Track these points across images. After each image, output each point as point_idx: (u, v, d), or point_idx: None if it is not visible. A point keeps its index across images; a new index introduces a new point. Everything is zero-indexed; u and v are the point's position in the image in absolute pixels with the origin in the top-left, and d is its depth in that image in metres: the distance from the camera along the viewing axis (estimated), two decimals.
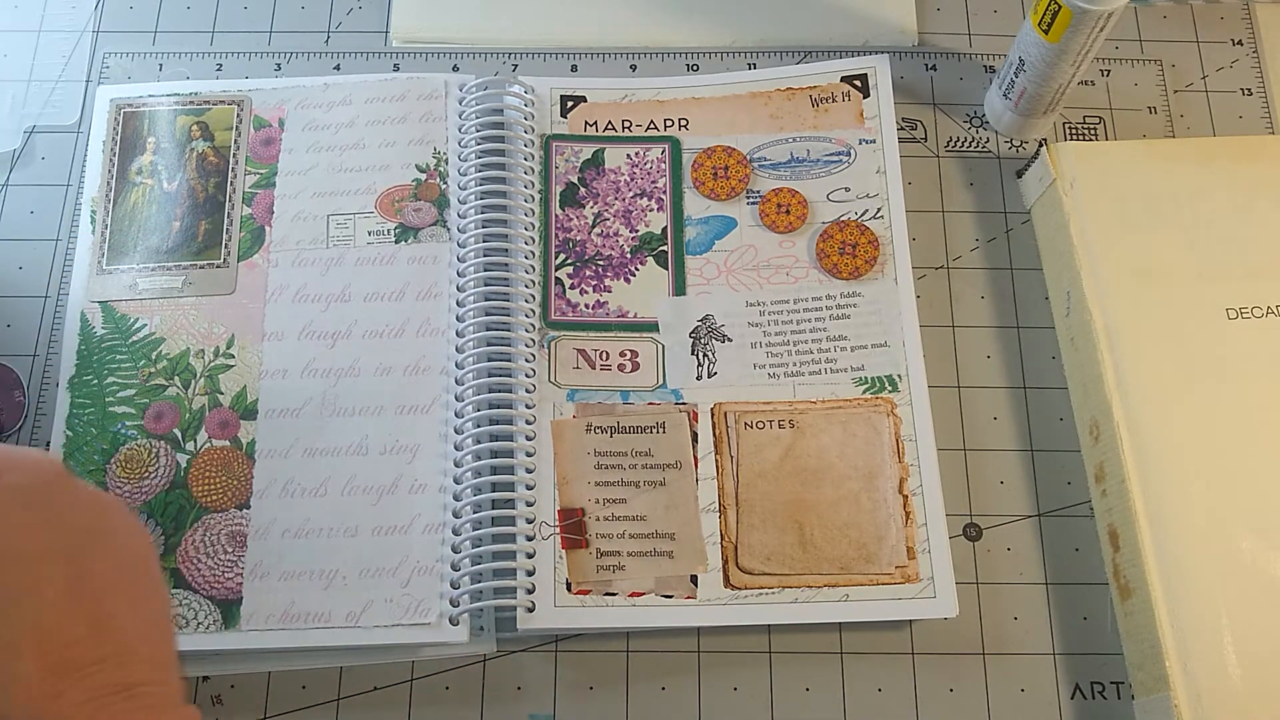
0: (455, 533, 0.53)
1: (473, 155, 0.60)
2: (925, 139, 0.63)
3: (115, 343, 0.57)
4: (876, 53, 0.64)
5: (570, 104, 0.63)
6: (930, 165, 0.63)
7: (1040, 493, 0.56)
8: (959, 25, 0.66)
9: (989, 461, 0.56)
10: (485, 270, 0.58)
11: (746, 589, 0.53)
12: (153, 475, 0.54)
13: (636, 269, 0.59)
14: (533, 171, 0.61)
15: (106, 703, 0.30)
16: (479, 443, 0.54)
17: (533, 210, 0.60)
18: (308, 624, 0.51)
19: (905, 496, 0.54)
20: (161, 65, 0.64)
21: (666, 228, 0.60)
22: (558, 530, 0.54)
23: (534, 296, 0.58)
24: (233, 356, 0.57)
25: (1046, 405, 0.57)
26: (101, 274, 0.58)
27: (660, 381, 0.57)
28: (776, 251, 0.60)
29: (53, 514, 0.30)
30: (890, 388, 0.56)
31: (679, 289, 0.59)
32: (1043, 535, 0.55)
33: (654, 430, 0.56)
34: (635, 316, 0.58)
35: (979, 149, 0.63)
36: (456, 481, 0.54)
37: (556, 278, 0.59)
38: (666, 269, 0.59)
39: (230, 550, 0.53)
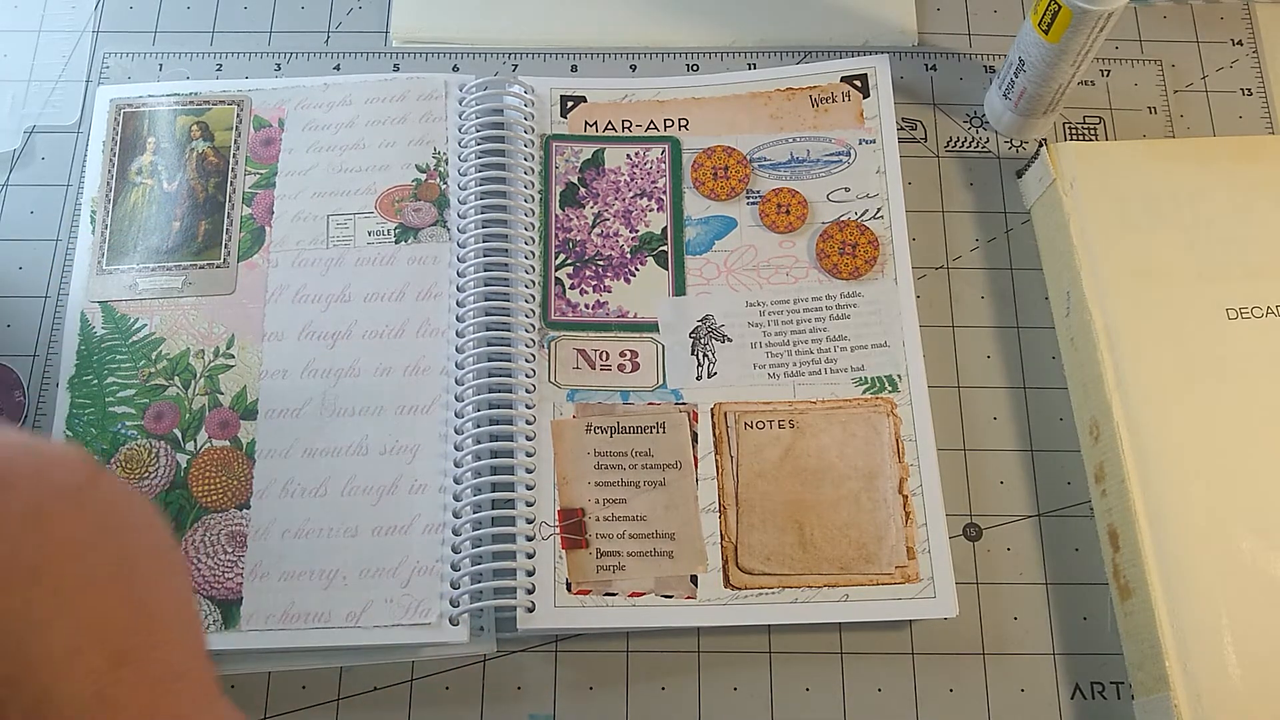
0: (455, 533, 0.53)
1: (473, 155, 0.60)
2: (925, 139, 0.63)
3: (115, 343, 0.57)
4: (876, 53, 0.64)
5: (570, 104, 0.63)
6: (930, 165, 0.63)
7: (1040, 493, 0.56)
8: (959, 25, 0.66)
9: (989, 461, 0.56)
10: (485, 270, 0.58)
11: (746, 589, 0.53)
12: (153, 475, 0.54)
13: (636, 269, 0.59)
14: (533, 171, 0.61)
15: (165, 689, 0.30)
16: (479, 443, 0.54)
17: (533, 210, 0.60)
18: (308, 624, 0.51)
19: (905, 496, 0.54)
20: (161, 65, 0.64)
21: (666, 228, 0.60)
22: (558, 530, 0.54)
23: (534, 296, 0.58)
24: (233, 356, 0.57)
25: (1046, 405, 0.57)
26: (101, 274, 0.58)
27: (660, 381, 0.57)
28: (776, 251, 0.60)
29: (99, 509, 0.31)
30: (890, 388, 0.56)
31: (679, 289, 0.59)
32: (1043, 535, 0.55)
33: (654, 430, 0.56)
34: (635, 316, 0.58)
35: (979, 149, 0.63)
36: (456, 481, 0.54)
37: (556, 278, 0.59)
38: (666, 269, 0.59)
39: (230, 550, 0.53)
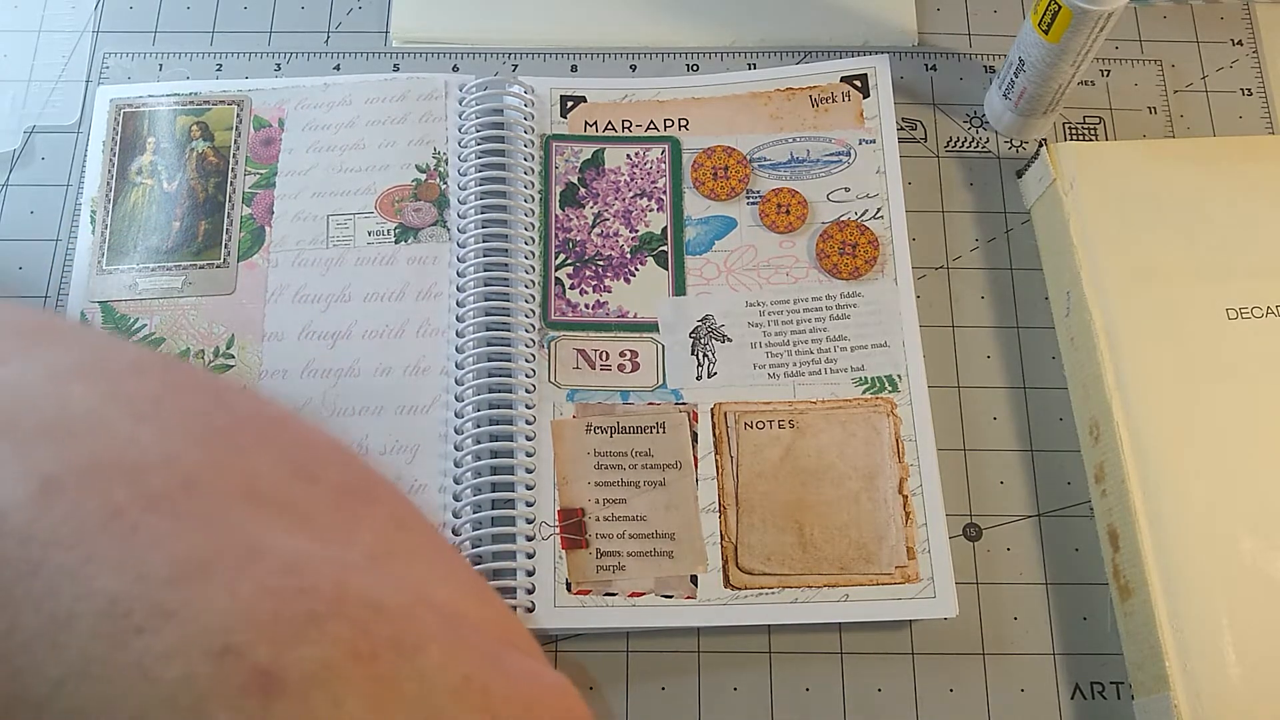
0: (455, 533, 0.53)
1: (473, 155, 0.60)
2: (925, 139, 0.63)
3: None
4: (876, 53, 0.64)
5: (570, 104, 0.63)
6: (930, 165, 0.63)
7: (1040, 493, 0.56)
8: (959, 25, 0.66)
9: (989, 461, 0.56)
10: (485, 270, 0.58)
11: (746, 589, 0.53)
12: None
13: (636, 269, 0.59)
14: (533, 171, 0.61)
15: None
16: (479, 443, 0.54)
17: (533, 210, 0.60)
18: None
19: (905, 496, 0.54)
20: (161, 65, 0.64)
21: (666, 228, 0.60)
22: (558, 530, 0.54)
23: (534, 296, 0.58)
24: (233, 356, 0.57)
25: (1046, 405, 0.57)
26: (101, 274, 0.58)
27: (660, 381, 0.57)
28: (776, 251, 0.60)
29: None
30: (890, 388, 0.56)
31: (679, 289, 0.59)
32: (1043, 535, 0.55)
33: (654, 430, 0.56)
34: (635, 316, 0.58)
35: (979, 149, 0.63)
36: (456, 481, 0.54)
37: (556, 278, 0.59)
38: (666, 269, 0.59)
39: None
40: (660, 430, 0.56)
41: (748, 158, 0.61)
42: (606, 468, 0.55)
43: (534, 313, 0.58)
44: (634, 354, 0.57)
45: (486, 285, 0.58)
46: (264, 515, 0.26)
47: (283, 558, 0.24)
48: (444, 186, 0.60)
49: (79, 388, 0.27)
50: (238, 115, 0.62)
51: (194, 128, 0.62)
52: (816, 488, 0.54)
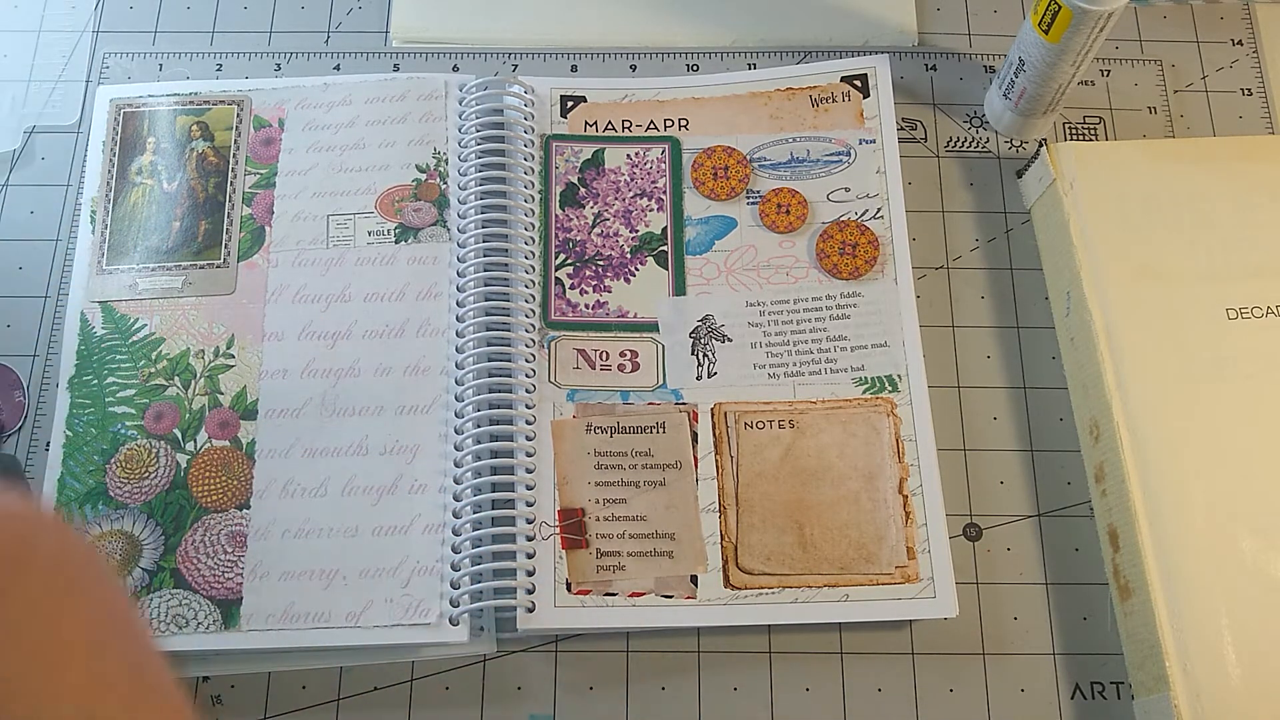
0: (455, 533, 0.53)
1: (473, 155, 0.60)
2: (925, 139, 0.63)
3: (115, 343, 0.57)
4: (876, 53, 0.64)
5: (570, 104, 0.63)
6: (930, 165, 0.63)
7: (1040, 493, 0.56)
8: (959, 25, 0.66)
9: (989, 461, 0.56)
10: (485, 270, 0.58)
11: (746, 589, 0.53)
12: (153, 475, 0.54)
13: (636, 269, 0.59)
14: (533, 171, 0.61)
15: None
16: (479, 443, 0.54)
17: (533, 210, 0.60)
18: (308, 624, 0.51)
19: (905, 496, 0.54)
20: (161, 65, 0.64)
21: (666, 228, 0.60)
22: (558, 530, 0.54)
23: (534, 296, 0.58)
24: (233, 356, 0.57)
25: (1046, 405, 0.57)
26: (101, 274, 0.58)
27: (660, 381, 0.57)
28: (776, 251, 0.60)
29: (39, 578, 0.31)
30: (890, 388, 0.56)
31: (679, 289, 0.59)
32: (1043, 535, 0.55)
33: (654, 430, 0.56)
34: (635, 316, 0.58)
35: (979, 149, 0.63)
36: (456, 481, 0.54)
37: (556, 278, 0.59)
38: (666, 269, 0.59)
39: (230, 550, 0.53)
40: (660, 430, 0.56)
41: (748, 158, 0.61)
42: (606, 468, 0.55)
43: (534, 313, 0.58)
44: (634, 354, 0.57)
45: (486, 285, 0.57)
46: None
47: None
48: (444, 186, 0.60)
49: None
50: (238, 115, 0.62)
51: (194, 128, 0.62)
52: (816, 488, 0.54)
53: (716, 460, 0.55)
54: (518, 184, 0.60)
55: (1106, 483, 0.54)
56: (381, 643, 0.51)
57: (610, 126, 0.62)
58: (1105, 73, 0.65)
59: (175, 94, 0.62)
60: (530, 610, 0.52)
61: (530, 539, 0.53)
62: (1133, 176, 0.57)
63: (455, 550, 0.53)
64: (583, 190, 0.61)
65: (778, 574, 0.53)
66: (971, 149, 0.63)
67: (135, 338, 0.57)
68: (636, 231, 0.60)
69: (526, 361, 0.56)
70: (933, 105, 0.64)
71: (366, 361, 0.56)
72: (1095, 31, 0.54)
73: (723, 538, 0.53)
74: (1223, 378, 0.53)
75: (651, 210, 0.60)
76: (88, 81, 0.64)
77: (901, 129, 0.63)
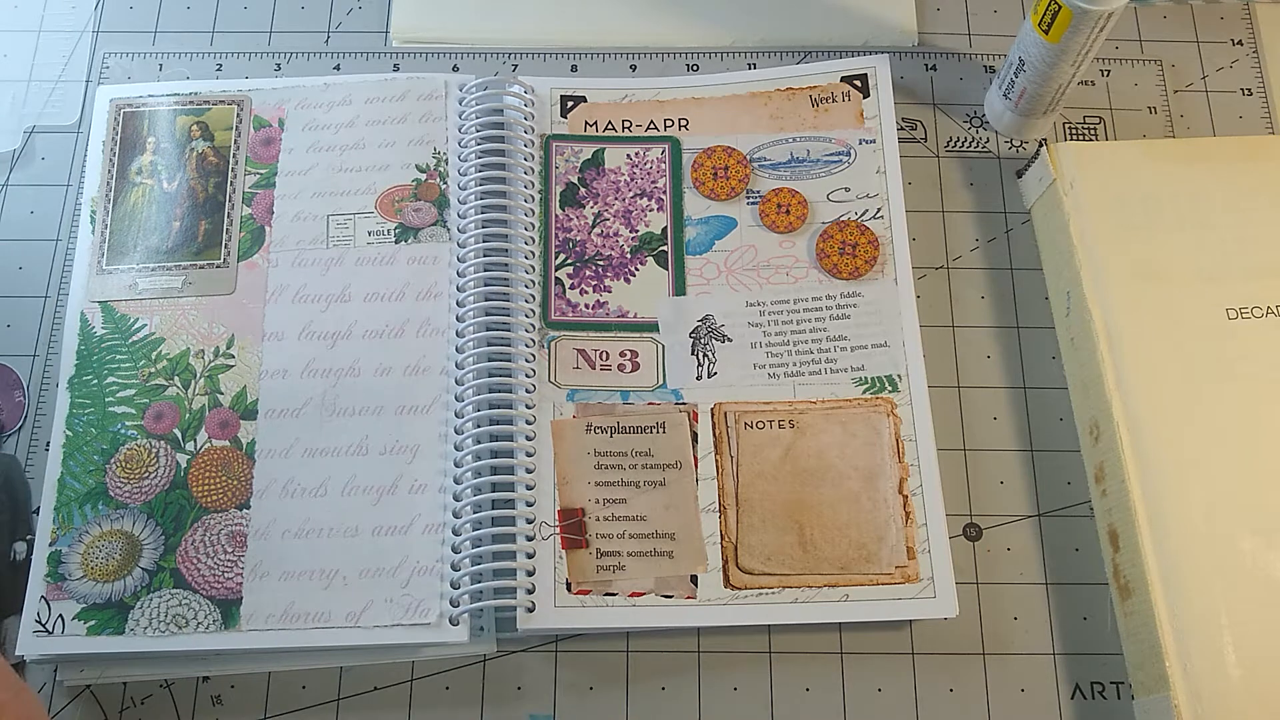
0: (455, 533, 0.53)
1: (473, 155, 0.60)
2: (925, 139, 0.63)
3: (115, 343, 0.57)
4: (876, 53, 0.64)
5: (570, 104, 0.63)
6: (930, 165, 0.63)
7: (1040, 493, 0.56)
8: (959, 25, 0.66)
9: (989, 461, 0.56)
10: (485, 270, 0.58)
11: (746, 589, 0.53)
12: (153, 475, 0.54)
13: (636, 269, 0.59)
14: (533, 171, 0.61)
15: None
16: (479, 443, 0.54)
17: (533, 210, 0.60)
18: (308, 624, 0.51)
19: (905, 496, 0.54)
20: (161, 65, 0.64)
21: (666, 228, 0.60)
22: (558, 530, 0.54)
23: (534, 296, 0.58)
24: (233, 356, 0.57)
25: (1046, 405, 0.57)
26: (101, 274, 0.58)
27: (660, 381, 0.57)
28: (776, 251, 0.60)
29: None
30: (890, 388, 0.56)
31: (679, 289, 0.59)
32: (1043, 535, 0.55)
33: (654, 430, 0.56)
34: (635, 316, 0.58)
35: (979, 149, 0.63)
36: (456, 481, 0.54)
37: (556, 278, 0.59)
38: (666, 269, 0.59)
39: (230, 550, 0.53)
40: (660, 430, 0.56)
41: (748, 158, 0.61)
42: (606, 468, 0.55)
43: (534, 313, 0.58)
44: (634, 354, 0.57)
45: (486, 285, 0.58)
46: None
47: None
48: (444, 186, 0.60)
49: None
50: (238, 115, 0.62)
51: (194, 128, 0.62)
52: (816, 488, 0.54)
53: (716, 460, 0.55)
54: (518, 184, 0.60)
55: (1106, 483, 0.54)
56: (381, 643, 0.51)
57: (610, 126, 0.62)
58: (1105, 73, 0.65)
59: (175, 94, 0.62)
60: (530, 610, 0.52)
61: (530, 539, 0.53)
62: (1133, 176, 0.57)
63: (455, 550, 0.53)
64: (583, 190, 0.61)
65: (778, 574, 0.53)
66: (971, 149, 0.63)
67: (135, 338, 0.57)
68: (636, 231, 0.60)
69: (526, 361, 0.56)
70: (933, 105, 0.64)
71: (366, 361, 0.56)
72: (1095, 31, 0.54)
73: (723, 538, 0.54)
74: (1223, 378, 0.53)
75: (651, 210, 0.60)
76: (88, 81, 0.64)
77: (901, 129, 0.63)
